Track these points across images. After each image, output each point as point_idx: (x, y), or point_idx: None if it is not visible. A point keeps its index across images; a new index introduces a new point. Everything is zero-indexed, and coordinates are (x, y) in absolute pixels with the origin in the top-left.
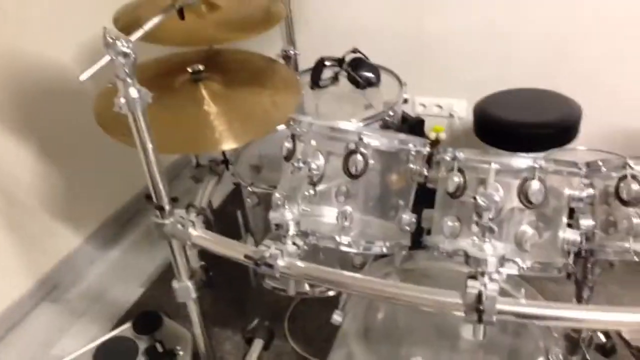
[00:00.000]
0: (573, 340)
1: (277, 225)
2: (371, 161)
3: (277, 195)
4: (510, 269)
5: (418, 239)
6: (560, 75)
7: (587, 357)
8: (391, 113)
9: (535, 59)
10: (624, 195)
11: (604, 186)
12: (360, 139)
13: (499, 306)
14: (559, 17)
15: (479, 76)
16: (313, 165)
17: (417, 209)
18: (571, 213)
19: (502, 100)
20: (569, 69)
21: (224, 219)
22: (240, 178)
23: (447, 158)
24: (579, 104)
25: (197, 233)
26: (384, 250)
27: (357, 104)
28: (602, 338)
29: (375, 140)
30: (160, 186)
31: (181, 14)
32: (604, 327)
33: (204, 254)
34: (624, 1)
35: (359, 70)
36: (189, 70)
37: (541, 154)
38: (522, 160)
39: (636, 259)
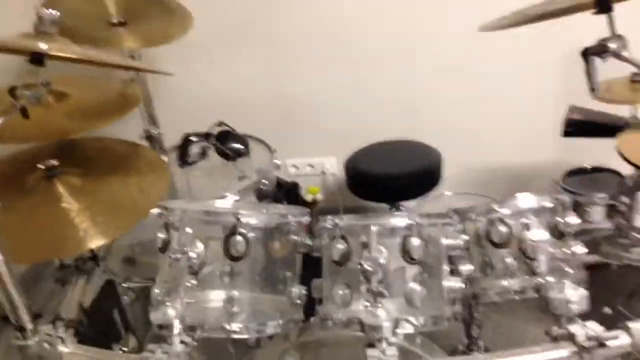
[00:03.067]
0: None
1: (160, 326)
2: (252, 238)
3: (156, 291)
4: (406, 329)
5: (311, 309)
6: (418, 124)
7: None
8: (265, 181)
9: (394, 110)
10: (496, 239)
11: (475, 231)
12: (238, 219)
13: None
14: (409, 69)
15: (345, 132)
16: (192, 254)
17: (306, 279)
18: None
19: (369, 154)
20: (425, 117)
21: (100, 319)
22: (113, 274)
23: (329, 226)
24: (438, 151)
25: (69, 349)
26: (278, 330)
27: (230, 177)
28: None
29: (254, 218)
30: (18, 304)
31: (25, 114)
32: None
33: None
34: (466, 52)
35: (226, 143)
36: (41, 166)
37: (413, 203)
38: (399, 219)
39: (516, 297)
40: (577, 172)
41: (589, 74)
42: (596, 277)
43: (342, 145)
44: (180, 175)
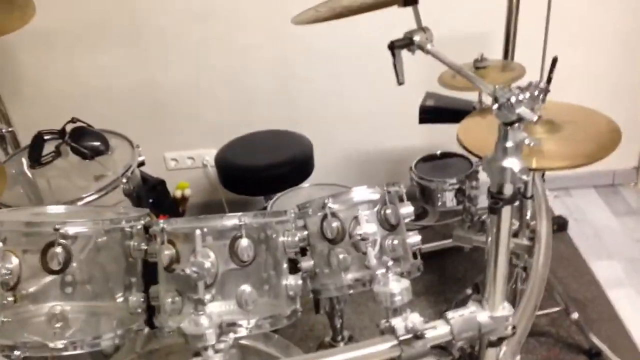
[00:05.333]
0: None
1: None
2: (75, 249)
3: None
4: (238, 333)
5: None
6: (294, 115)
7: None
8: (124, 180)
9: (271, 100)
10: (328, 234)
11: (316, 226)
12: (56, 230)
13: None
14: (282, 57)
15: (224, 124)
16: (4, 270)
17: (148, 285)
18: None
19: (240, 146)
20: (299, 107)
21: None
22: None
23: (158, 229)
24: (308, 140)
25: None
26: (116, 341)
27: (87, 177)
28: None
29: (78, 227)
30: None
31: None
32: None
33: None
34: (335, 38)
35: (82, 141)
36: None
37: (251, 213)
38: (227, 221)
39: (351, 291)
40: (429, 159)
41: (395, 66)
42: (459, 259)
43: (223, 137)
44: (35, 176)
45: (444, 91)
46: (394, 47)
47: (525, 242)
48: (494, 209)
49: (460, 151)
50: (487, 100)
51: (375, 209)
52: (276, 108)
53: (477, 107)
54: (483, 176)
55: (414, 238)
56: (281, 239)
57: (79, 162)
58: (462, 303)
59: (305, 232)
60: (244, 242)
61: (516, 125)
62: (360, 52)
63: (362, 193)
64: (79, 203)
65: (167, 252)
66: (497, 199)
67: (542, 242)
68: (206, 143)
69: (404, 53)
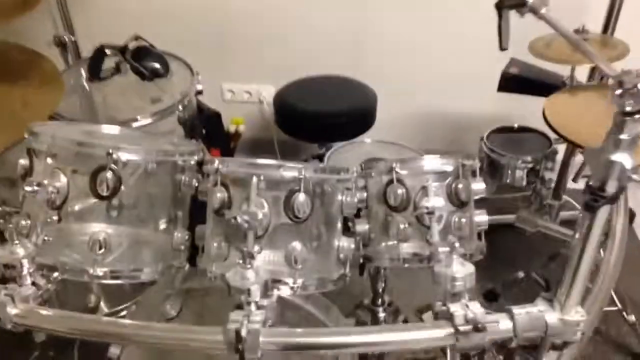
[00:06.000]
0: None
1: (6, 266)
2: (125, 175)
3: (12, 224)
4: (282, 291)
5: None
6: (361, 62)
7: None
8: (180, 107)
9: (338, 44)
10: (391, 201)
11: (377, 189)
12: (109, 154)
13: (263, 339)
14: (357, 8)
15: (285, 62)
16: (51, 188)
17: (195, 222)
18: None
19: (301, 89)
20: (368, 56)
21: None
22: None
23: (212, 169)
24: (374, 91)
25: None
26: (155, 276)
27: (144, 97)
28: None
29: (131, 154)
30: None
31: None
32: (395, 348)
33: None
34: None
35: (143, 60)
36: None
37: (310, 165)
38: (287, 172)
39: (405, 265)
40: (503, 130)
41: (500, 28)
42: (514, 239)
43: (281, 76)
44: (93, 90)
45: (530, 59)
46: (502, 6)
47: None
48: (591, 207)
49: (539, 126)
50: (581, 77)
51: (446, 182)
52: (342, 52)
53: (568, 82)
54: (559, 157)
55: (481, 217)
56: (339, 197)
57: (137, 81)
58: (510, 285)
59: (365, 194)
60: (302, 197)
61: (637, 116)
62: (443, 1)
63: (433, 162)
64: (133, 124)
65: (220, 194)
66: (596, 196)
67: (617, 239)
68: (265, 79)
69: None
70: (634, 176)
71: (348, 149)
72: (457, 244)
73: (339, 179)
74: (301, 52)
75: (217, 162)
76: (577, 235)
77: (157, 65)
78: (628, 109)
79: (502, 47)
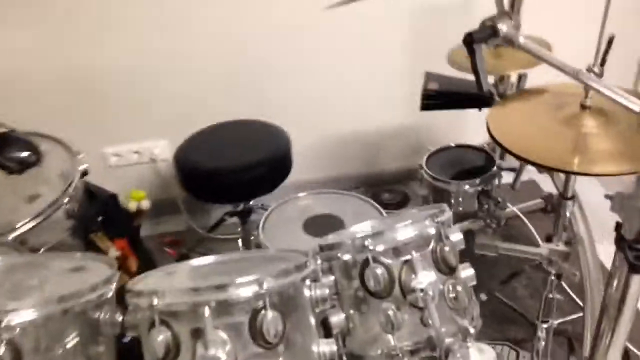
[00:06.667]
0: None
1: None
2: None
3: None
4: None
5: None
6: (263, 104)
7: None
8: (66, 199)
9: (233, 89)
10: (372, 286)
11: (348, 272)
12: None
13: None
14: (239, 32)
15: (175, 111)
16: None
17: None
18: None
19: (204, 142)
20: (269, 95)
21: None
22: None
23: (143, 305)
24: (284, 130)
25: None
26: None
27: (18, 197)
28: None
29: (23, 317)
30: None
31: None
32: None
33: None
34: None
35: (5, 151)
36: None
37: (267, 282)
38: (243, 290)
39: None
40: (439, 152)
41: (475, 67)
42: (472, 262)
43: (175, 126)
44: None
45: (446, 71)
46: (472, 41)
47: (561, 247)
48: (638, 267)
49: (471, 141)
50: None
51: (429, 249)
52: (239, 94)
53: (494, 91)
54: (505, 173)
55: (468, 271)
56: (306, 294)
57: (4, 177)
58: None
59: (332, 277)
60: (270, 315)
61: None
62: (331, 24)
63: (411, 230)
64: (10, 236)
65: (161, 337)
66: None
67: (586, 245)
68: (155, 134)
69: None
70: None
71: (284, 211)
72: (470, 329)
73: (304, 276)
74: (194, 101)
75: (149, 295)
76: (609, 293)
77: (24, 154)
78: None
79: (481, 89)
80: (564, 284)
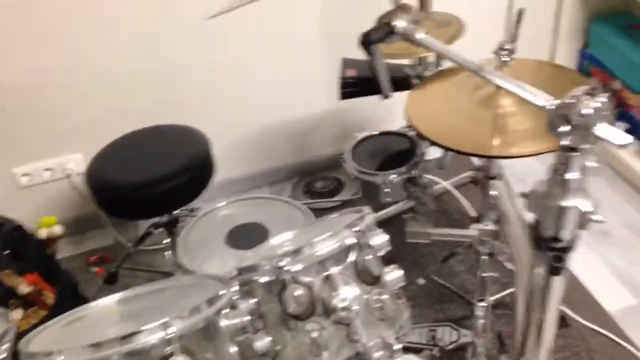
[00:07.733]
0: None
1: None
2: None
3: None
4: None
5: None
6: (170, 102)
7: None
8: None
9: (143, 93)
10: (292, 309)
11: (268, 295)
12: None
13: None
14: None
15: (88, 119)
16: None
17: None
18: None
19: (116, 155)
20: (181, 95)
21: None
22: None
23: None
24: (202, 132)
25: None
26: None
27: None
28: None
29: None
30: None
31: None
32: None
33: None
34: None
35: None
36: None
37: (176, 324)
38: (149, 337)
39: None
40: (363, 142)
41: (375, 69)
42: (406, 252)
43: (87, 137)
44: None
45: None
46: (369, 41)
47: (491, 226)
48: (557, 269)
49: (398, 121)
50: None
51: (350, 260)
52: (150, 98)
53: (411, 73)
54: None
55: (395, 274)
56: (223, 324)
57: None
58: (417, 294)
59: (253, 301)
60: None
61: (587, 146)
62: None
63: (330, 243)
64: None
65: None
66: (558, 251)
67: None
68: (68, 148)
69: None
70: (596, 217)
71: (206, 223)
72: (395, 345)
73: (218, 308)
74: (107, 108)
75: (44, 357)
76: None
77: None
78: (570, 143)
79: (385, 94)
80: (500, 259)
